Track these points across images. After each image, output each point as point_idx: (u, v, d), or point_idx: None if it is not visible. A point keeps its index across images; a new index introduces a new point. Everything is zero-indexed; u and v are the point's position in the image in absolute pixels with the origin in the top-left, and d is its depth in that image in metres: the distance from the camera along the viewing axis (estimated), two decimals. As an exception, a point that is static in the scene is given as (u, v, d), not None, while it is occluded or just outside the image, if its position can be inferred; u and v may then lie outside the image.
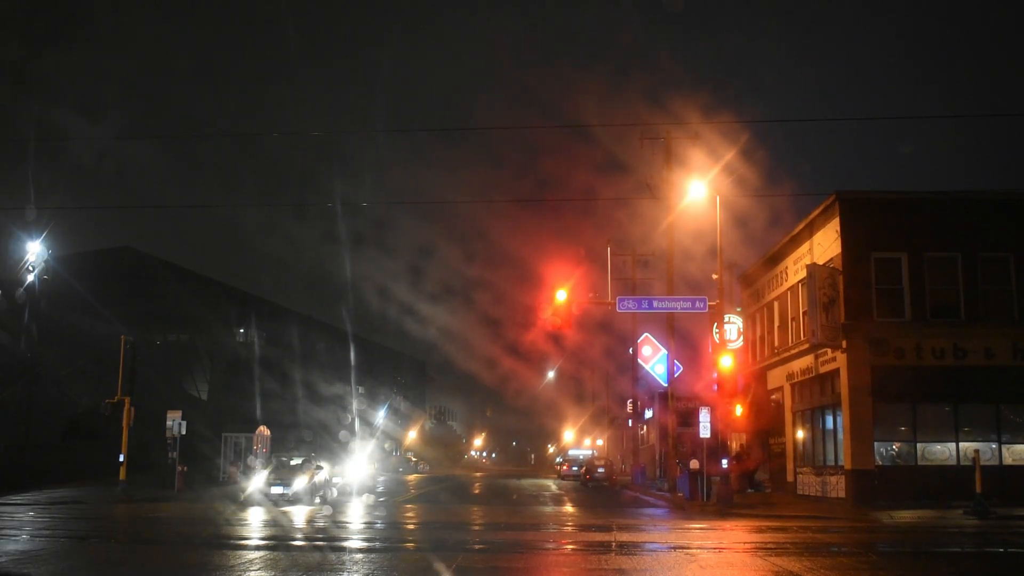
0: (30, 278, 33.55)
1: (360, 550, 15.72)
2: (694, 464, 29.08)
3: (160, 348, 51.85)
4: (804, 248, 30.50)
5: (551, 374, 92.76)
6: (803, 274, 28.66)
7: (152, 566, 14.03)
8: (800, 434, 32.47)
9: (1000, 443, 26.36)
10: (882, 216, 27.41)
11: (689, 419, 33.70)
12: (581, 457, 68.46)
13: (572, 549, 16.40)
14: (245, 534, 18.81)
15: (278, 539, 17.76)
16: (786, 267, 32.94)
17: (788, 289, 32.67)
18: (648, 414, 57.16)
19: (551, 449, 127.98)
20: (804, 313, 29.77)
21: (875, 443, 26.52)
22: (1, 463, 33.36)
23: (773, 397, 35.43)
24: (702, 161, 30.76)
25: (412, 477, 60.21)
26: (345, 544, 16.69)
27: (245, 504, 27.31)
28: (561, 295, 28.00)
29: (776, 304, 34.45)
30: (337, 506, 28.08)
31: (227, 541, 17.11)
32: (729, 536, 18.50)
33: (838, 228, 27.35)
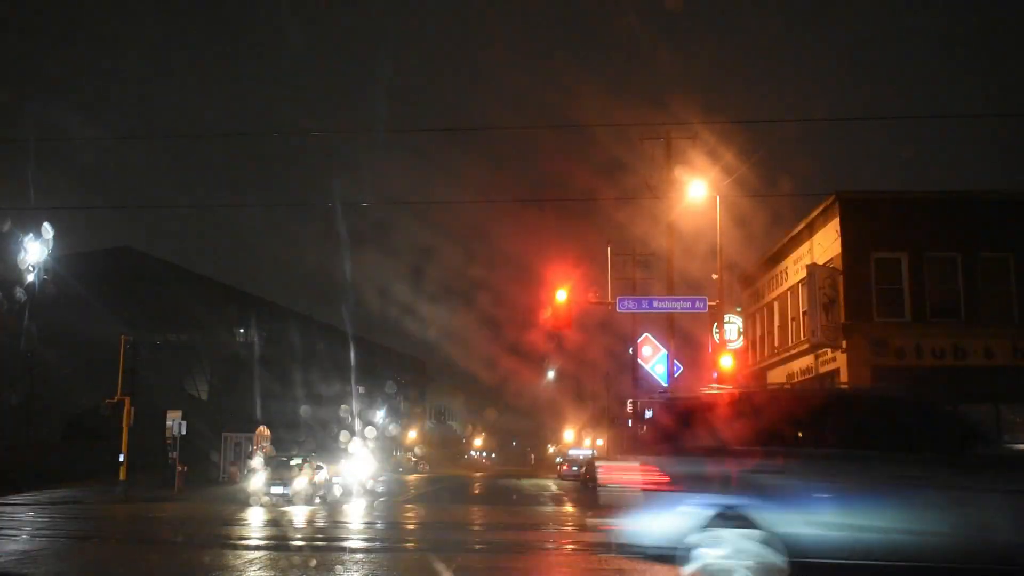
0: (30, 278, 33.51)
1: (360, 550, 15.72)
2: (694, 464, 29.04)
3: (160, 348, 51.79)
4: (804, 248, 30.50)
5: (551, 374, 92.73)
6: (803, 274, 28.67)
7: (152, 566, 14.03)
8: (800, 434, 32.43)
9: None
10: (882, 216, 27.41)
11: (689, 419, 33.66)
12: (581, 457, 68.49)
13: (572, 549, 16.40)
14: (245, 534, 18.81)
15: (278, 539, 17.77)
16: (786, 267, 32.94)
17: (788, 289, 32.68)
18: (648, 414, 57.14)
19: (551, 449, 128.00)
20: (804, 313, 29.77)
21: (875, 443, 26.50)
22: (1, 463, 33.34)
23: (773, 397, 35.39)
24: (702, 161, 30.76)
25: (412, 477, 60.23)
26: (345, 544, 16.69)
27: (245, 504, 27.31)
28: (561, 295, 27.99)
29: (776, 304, 34.46)
30: (337, 506, 28.09)
31: (227, 541, 17.11)
32: (729, 536, 18.46)
33: (838, 228, 27.35)
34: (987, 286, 26.87)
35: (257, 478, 28.83)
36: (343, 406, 64.51)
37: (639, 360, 42.97)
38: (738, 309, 37.62)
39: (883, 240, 27.23)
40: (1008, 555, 8.12)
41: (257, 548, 15.89)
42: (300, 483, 28.68)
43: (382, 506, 28.43)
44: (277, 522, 21.66)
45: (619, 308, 29.48)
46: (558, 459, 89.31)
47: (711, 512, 8.67)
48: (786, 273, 32.95)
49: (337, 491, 31.89)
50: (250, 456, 38.39)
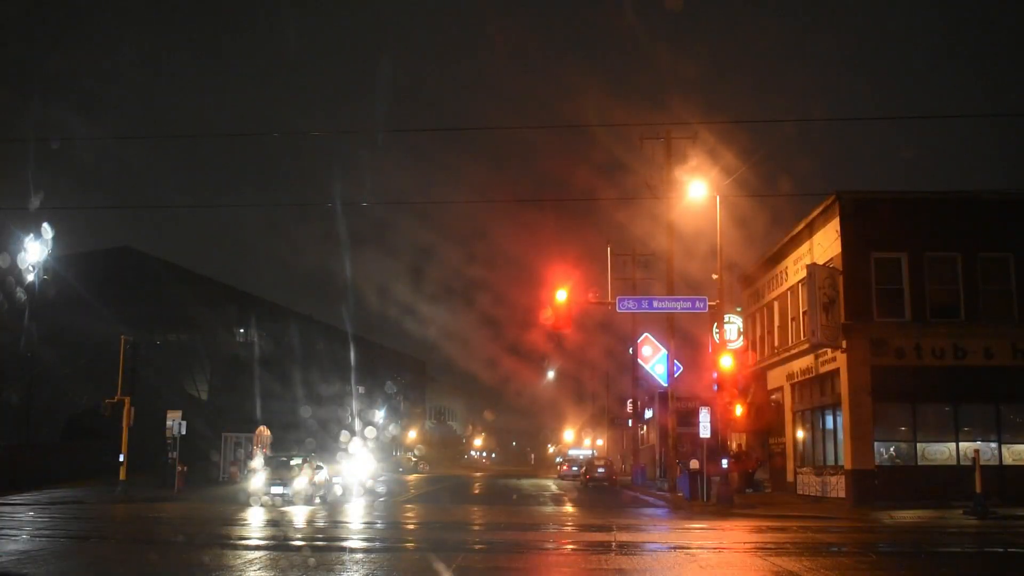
0: (30, 278, 33.53)
1: (360, 550, 15.72)
2: (694, 464, 29.08)
3: (160, 348, 51.80)
4: (804, 248, 30.50)
5: (551, 374, 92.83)
6: (803, 274, 28.66)
7: (152, 566, 14.02)
8: (800, 434, 32.46)
9: (1000, 443, 26.36)
10: (882, 216, 27.40)
11: (689, 419, 33.70)
12: (581, 457, 68.58)
13: (572, 549, 16.40)
14: (245, 534, 18.81)
15: (278, 539, 17.77)
16: (786, 267, 32.93)
17: (788, 289, 32.67)
18: (648, 414, 57.16)
19: (551, 449, 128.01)
20: (804, 313, 29.76)
21: (875, 443, 26.52)
22: (1, 463, 33.33)
23: (773, 397, 35.42)
24: (702, 161, 30.79)
25: (412, 477, 60.21)
26: (345, 544, 16.69)
27: (245, 504, 27.31)
28: (561, 295, 27.97)
29: (776, 304, 34.45)
30: (337, 506, 28.09)
31: (227, 541, 17.11)
32: (729, 536, 18.50)
33: (838, 228, 27.35)
34: (987, 286, 26.87)
35: (257, 478, 28.81)
36: (343, 406, 64.48)
37: (639, 360, 43.05)
38: (738, 309, 37.63)
39: (883, 240, 27.22)
40: None
41: (257, 548, 15.89)
42: (300, 483, 28.67)
43: (382, 506, 28.43)
44: (277, 522, 21.65)
45: (619, 308, 29.48)
46: (558, 459, 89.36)
47: None
48: (786, 273, 32.94)
49: (337, 491, 31.88)
50: (250, 456, 38.37)
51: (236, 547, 16.07)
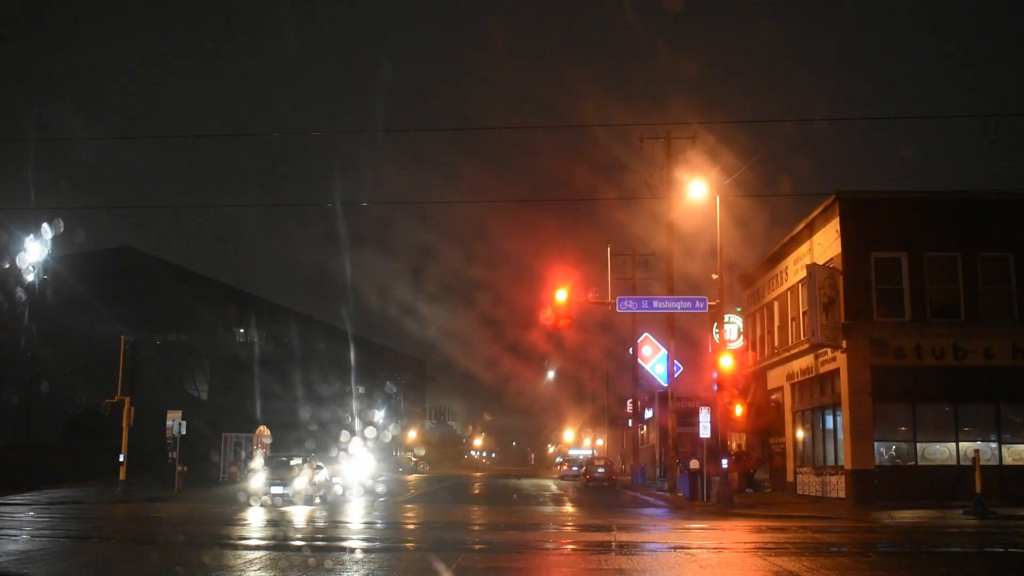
0: (30, 278, 33.53)
1: (360, 550, 15.72)
2: (694, 464, 29.08)
3: (160, 348, 51.74)
4: (804, 248, 30.50)
5: (551, 374, 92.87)
6: (803, 274, 28.66)
7: (152, 566, 14.02)
8: (800, 434, 32.46)
9: (1000, 443, 26.36)
10: (882, 216, 27.40)
11: (689, 419, 33.71)
12: (581, 457, 68.63)
13: (572, 549, 16.40)
14: (245, 534, 18.81)
15: (278, 539, 17.77)
16: (786, 267, 32.94)
17: (788, 289, 32.67)
18: (648, 414, 57.13)
19: (551, 449, 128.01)
20: (804, 313, 29.76)
21: (875, 443, 26.52)
22: (1, 463, 33.33)
23: (773, 397, 35.42)
24: (702, 161, 30.80)
25: (412, 477, 60.21)
26: (345, 544, 16.70)
27: (245, 504, 27.31)
28: (561, 295, 27.97)
29: (776, 304, 34.45)
30: (337, 506, 28.09)
31: (227, 541, 17.11)
32: (729, 536, 18.50)
33: (838, 228, 27.35)
34: (987, 286, 26.87)
35: (257, 478, 28.81)
36: (343, 406, 64.46)
37: (639, 360, 43.06)
38: (738, 309, 37.64)
39: (883, 240, 27.23)
40: None
41: (257, 548, 15.89)
42: (300, 483, 28.66)
43: (382, 506, 28.43)
44: (277, 522, 21.65)
45: (619, 308, 29.47)
46: (558, 459, 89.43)
47: None
48: (786, 273, 32.94)
49: (337, 491, 31.88)
50: (250, 456, 38.35)
51: (236, 547, 16.08)
